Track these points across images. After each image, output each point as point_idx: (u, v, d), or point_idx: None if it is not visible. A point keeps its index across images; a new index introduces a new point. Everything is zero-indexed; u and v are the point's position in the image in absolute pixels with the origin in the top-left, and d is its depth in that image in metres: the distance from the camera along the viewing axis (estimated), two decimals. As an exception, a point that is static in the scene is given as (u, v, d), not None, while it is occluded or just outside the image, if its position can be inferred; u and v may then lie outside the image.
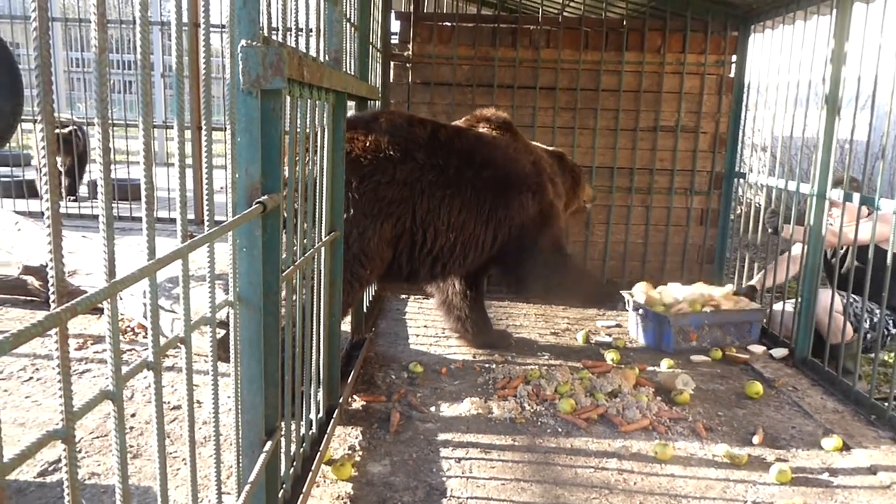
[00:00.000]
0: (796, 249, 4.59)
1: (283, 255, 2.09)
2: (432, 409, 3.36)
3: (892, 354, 4.59)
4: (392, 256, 3.60)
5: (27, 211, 7.21)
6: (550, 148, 4.50)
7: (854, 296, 4.14)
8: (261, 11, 1.81)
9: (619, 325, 4.87)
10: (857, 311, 4.17)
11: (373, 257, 3.43)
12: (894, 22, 3.46)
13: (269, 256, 1.90)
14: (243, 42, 1.77)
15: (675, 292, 4.61)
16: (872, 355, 3.96)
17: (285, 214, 2.19)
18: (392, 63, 5.43)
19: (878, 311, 4.09)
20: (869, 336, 3.99)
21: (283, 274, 2.07)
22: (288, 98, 2.14)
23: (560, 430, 3.20)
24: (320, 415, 2.81)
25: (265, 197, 1.83)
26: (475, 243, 3.75)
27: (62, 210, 7.73)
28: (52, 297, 0.97)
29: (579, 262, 4.39)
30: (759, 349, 4.40)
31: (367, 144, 3.43)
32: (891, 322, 3.76)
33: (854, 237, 3.81)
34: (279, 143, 1.91)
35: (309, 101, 2.40)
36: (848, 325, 3.98)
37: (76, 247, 4.74)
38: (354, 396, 3.42)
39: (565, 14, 5.94)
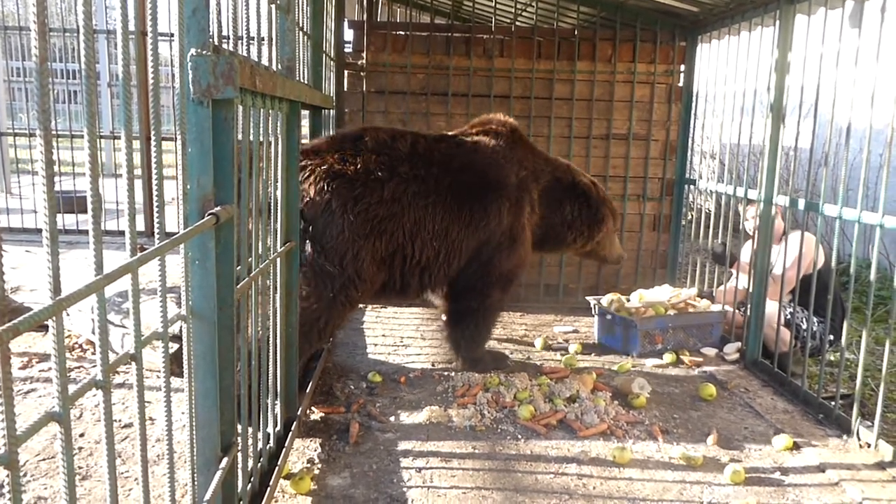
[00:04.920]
0: (743, 276, 4.70)
1: (238, 267, 2.06)
2: (392, 418, 3.34)
3: (838, 355, 4.74)
4: (388, 276, 3.61)
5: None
6: (580, 178, 4.23)
7: (797, 307, 4.25)
8: (211, 20, 1.78)
9: (576, 331, 4.92)
10: (798, 321, 4.30)
11: (366, 279, 3.46)
12: (835, 33, 3.58)
13: (223, 269, 1.86)
14: (193, 51, 1.73)
15: (649, 296, 4.70)
16: (820, 357, 4.08)
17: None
18: (346, 72, 5.41)
19: (815, 321, 4.24)
20: (810, 344, 4.13)
21: (238, 286, 2.03)
22: (240, 108, 2.11)
23: (520, 436, 3.21)
24: (278, 428, 2.77)
25: (218, 208, 1.80)
26: (458, 250, 3.74)
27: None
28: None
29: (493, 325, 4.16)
30: (711, 352, 4.49)
31: (359, 166, 3.46)
32: (827, 329, 3.92)
33: (797, 273, 3.98)
34: (232, 153, 1.88)
35: (262, 110, 2.37)
36: (789, 334, 4.18)
37: (20, 262, 4.59)
38: (313, 408, 3.38)
39: (518, 24, 6.01)
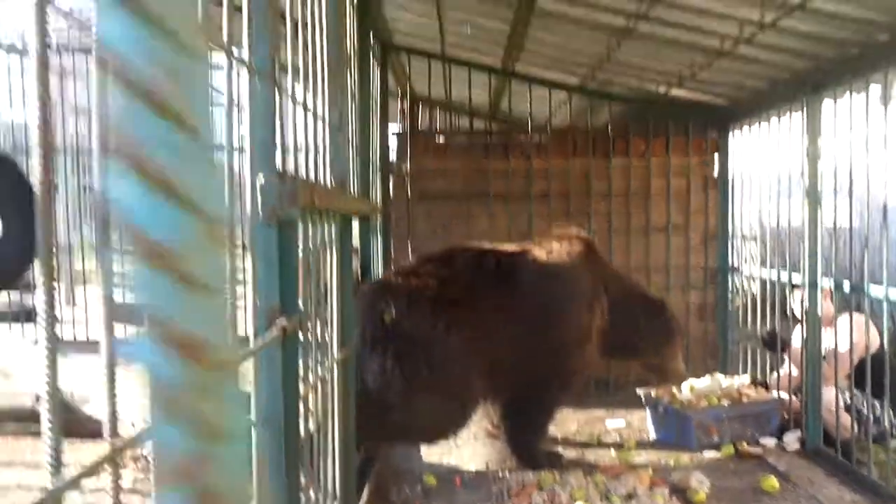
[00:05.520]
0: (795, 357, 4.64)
1: (300, 374, 2.16)
2: (448, 521, 3.33)
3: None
4: (488, 384, 3.86)
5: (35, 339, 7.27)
6: (652, 294, 4.59)
7: (855, 390, 4.15)
8: (275, 149, 1.97)
9: (629, 425, 4.85)
10: (859, 406, 4.18)
11: (473, 389, 3.78)
12: (863, 114, 3.67)
13: (289, 377, 1.97)
14: (261, 177, 1.92)
15: (700, 386, 4.65)
16: (884, 444, 3.95)
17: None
18: (391, 178, 5.68)
19: (876, 404, 4.13)
20: (874, 431, 4.00)
21: (301, 393, 2.14)
22: (301, 224, 2.28)
23: (578, 536, 3.16)
24: (337, 533, 2.79)
25: (284, 320, 1.93)
26: (536, 353, 3.91)
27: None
28: (106, 437, 1.05)
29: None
30: (770, 442, 4.38)
31: (455, 288, 3.81)
32: (892, 413, 3.82)
33: (851, 357, 3.96)
34: (296, 267, 2.03)
35: (319, 224, 2.54)
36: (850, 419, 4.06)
37: (87, 372, 4.79)
38: (370, 512, 3.39)
39: (553, 123, 6.26)
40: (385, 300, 3.66)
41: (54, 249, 1.12)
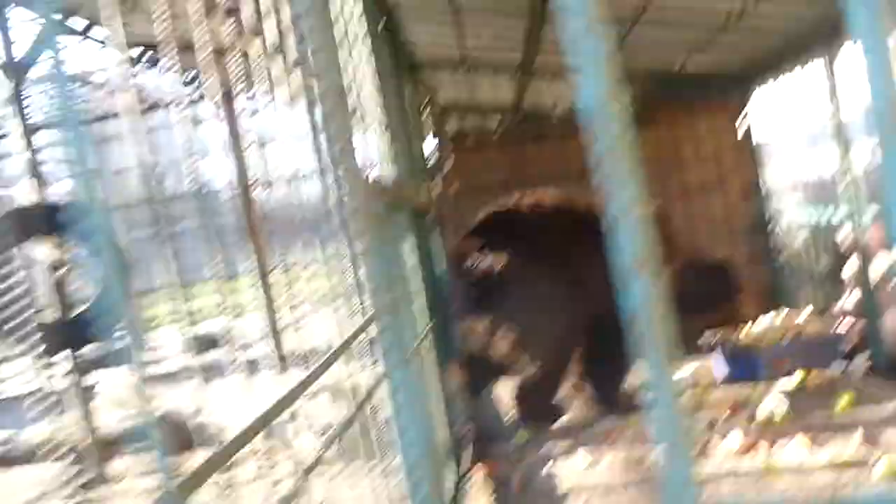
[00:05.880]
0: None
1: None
2: (549, 465, 3.60)
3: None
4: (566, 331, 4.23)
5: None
6: (716, 258, 5.00)
7: None
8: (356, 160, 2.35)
9: (698, 370, 4.98)
10: None
11: (569, 338, 4.18)
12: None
13: (404, 337, 2.32)
14: (349, 183, 2.28)
15: (763, 324, 4.85)
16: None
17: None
18: (435, 178, 6.01)
19: None
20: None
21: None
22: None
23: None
24: (448, 485, 3.13)
25: (389, 295, 2.28)
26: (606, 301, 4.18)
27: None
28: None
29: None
30: (840, 367, 4.51)
31: (541, 237, 4.24)
32: None
33: None
34: (389, 251, 2.40)
35: (394, 216, 2.91)
36: None
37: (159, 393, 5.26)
38: (476, 465, 3.67)
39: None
40: (478, 252, 4.15)
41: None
